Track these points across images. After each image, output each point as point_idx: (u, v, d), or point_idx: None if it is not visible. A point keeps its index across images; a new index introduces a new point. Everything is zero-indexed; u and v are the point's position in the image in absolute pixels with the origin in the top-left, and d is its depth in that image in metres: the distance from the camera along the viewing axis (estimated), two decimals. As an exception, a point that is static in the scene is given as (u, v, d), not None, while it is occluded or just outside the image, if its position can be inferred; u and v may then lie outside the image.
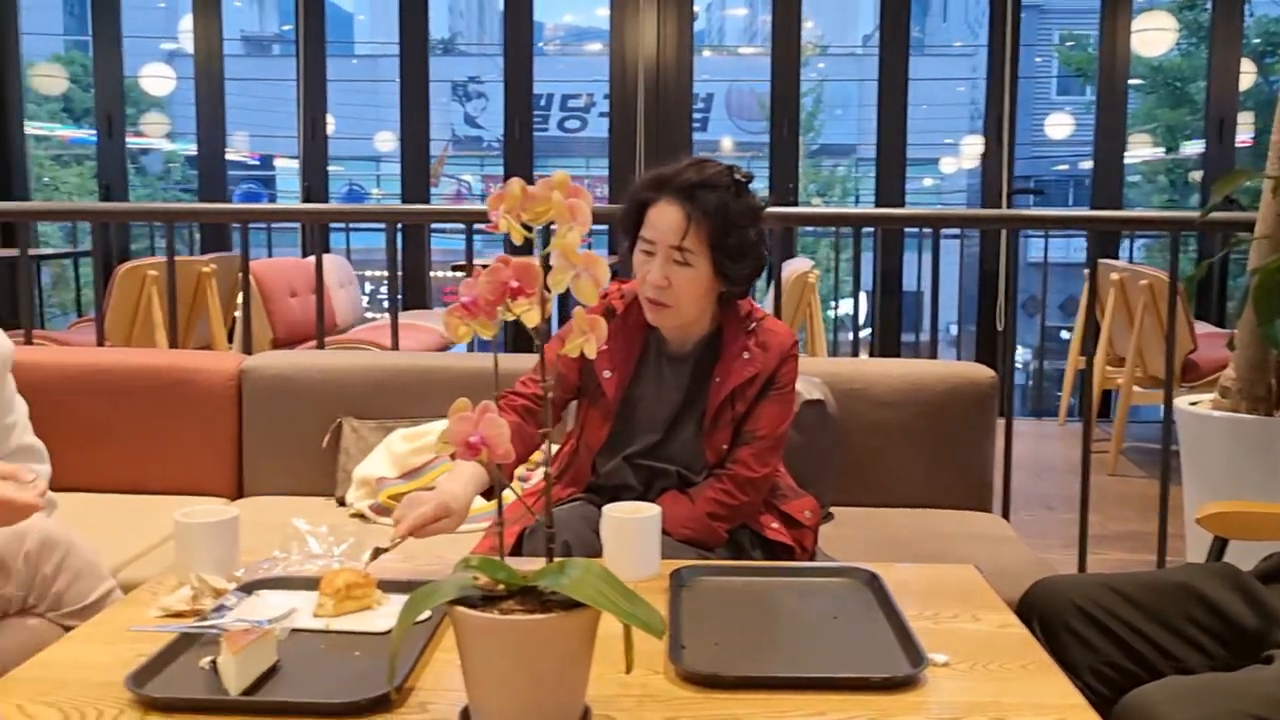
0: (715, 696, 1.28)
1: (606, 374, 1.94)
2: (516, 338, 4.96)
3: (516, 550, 1.94)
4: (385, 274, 7.98)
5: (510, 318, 1.17)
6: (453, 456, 1.88)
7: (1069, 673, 1.41)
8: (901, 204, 5.97)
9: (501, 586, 1.16)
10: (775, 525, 2.01)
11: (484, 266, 1.17)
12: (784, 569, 1.74)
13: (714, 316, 1.97)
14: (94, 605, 1.71)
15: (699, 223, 1.85)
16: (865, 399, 2.54)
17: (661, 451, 1.97)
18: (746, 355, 1.93)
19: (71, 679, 1.32)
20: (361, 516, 2.50)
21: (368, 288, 7.68)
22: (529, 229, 1.17)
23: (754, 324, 1.97)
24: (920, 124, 6.08)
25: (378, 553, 1.65)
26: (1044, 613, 1.67)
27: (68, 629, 1.66)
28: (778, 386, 1.95)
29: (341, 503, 2.59)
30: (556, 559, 1.18)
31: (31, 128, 6.67)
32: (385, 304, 9.33)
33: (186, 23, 6.69)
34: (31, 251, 3.38)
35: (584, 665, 1.17)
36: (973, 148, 12.58)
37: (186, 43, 7.23)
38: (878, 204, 5.91)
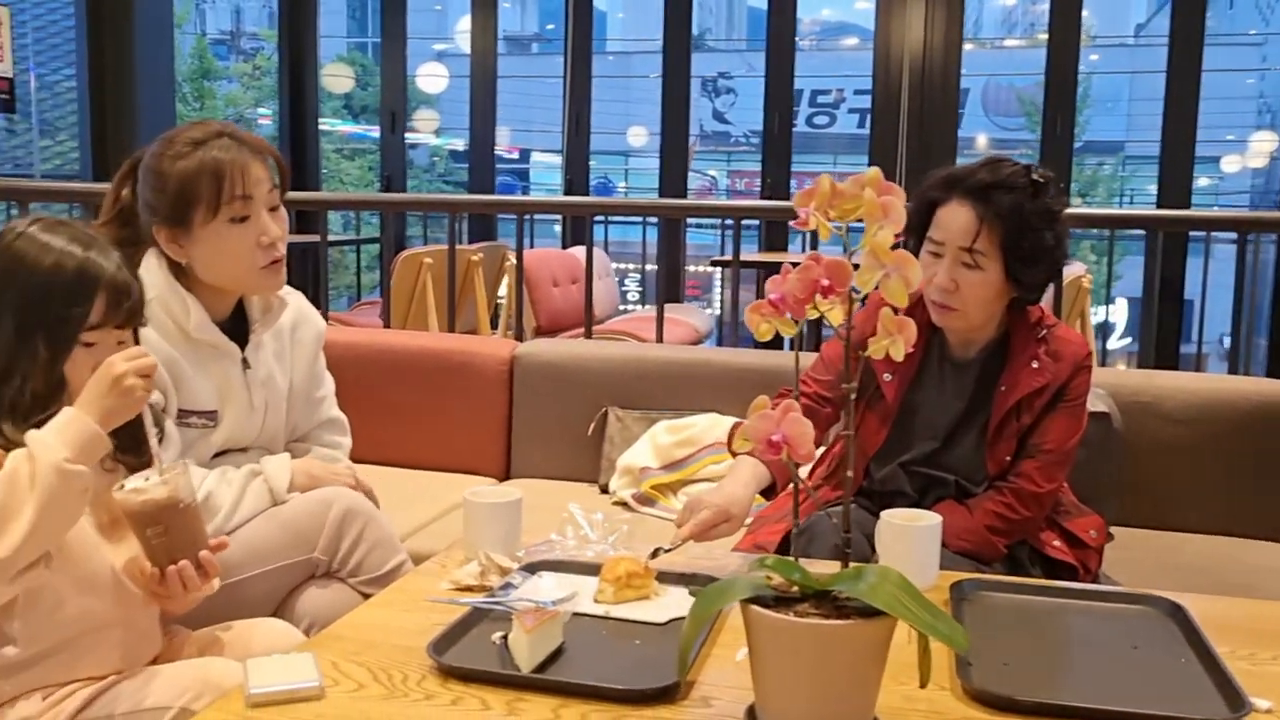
0: (1008, 720, 1.22)
1: (887, 377, 1.89)
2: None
3: (781, 550, 1.93)
4: (632, 267, 8.17)
5: (814, 316, 1.16)
6: (733, 454, 1.90)
7: None
8: (1187, 204, 5.55)
9: (795, 589, 1.15)
10: (1057, 543, 1.91)
11: (794, 264, 1.16)
12: (1074, 590, 1.65)
13: (1002, 322, 1.89)
14: (388, 575, 1.81)
15: (991, 225, 1.77)
16: (1155, 414, 2.38)
17: (940, 460, 1.90)
18: (1036, 364, 1.84)
19: (377, 641, 1.40)
20: (624, 505, 2.55)
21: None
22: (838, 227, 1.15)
23: (1045, 331, 1.87)
24: (1202, 119, 5.62)
25: (658, 553, 1.67)
26: (1379, 663, 1.50)
27: (365, 595, 1.77)
28: (1069, 399, 1.85)
29: (604, 490, 2.65)
30: (852, 565, 1.16)
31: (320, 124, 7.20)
32: (630, 296, 9.53)
33: (463, 24, 7.05)
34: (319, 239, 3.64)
35: (877, 675, 1.14)
36: (1262, 144, 11.57)
37: (460, 43, 7.62)
38: (1159, 204, 5.51)
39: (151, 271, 1.78)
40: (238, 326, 1.88)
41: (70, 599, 1.41)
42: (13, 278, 1.40)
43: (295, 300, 1.99)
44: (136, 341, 1.50)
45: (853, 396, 1.15)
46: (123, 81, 6.25)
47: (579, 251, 5.39)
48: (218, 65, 12.36)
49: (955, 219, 1.80)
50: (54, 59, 6.94)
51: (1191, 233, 5.11)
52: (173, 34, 6.87)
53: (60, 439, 1.29)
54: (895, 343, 1.14)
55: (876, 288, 1.13)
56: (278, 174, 1.81)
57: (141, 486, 1.38)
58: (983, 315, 1.85)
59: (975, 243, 1.78)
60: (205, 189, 1.72)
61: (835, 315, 1.14)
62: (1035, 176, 1.80)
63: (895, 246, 1.13)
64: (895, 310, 1.14)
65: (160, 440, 1.50)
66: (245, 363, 1.86)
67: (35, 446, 1.29)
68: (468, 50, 6.69)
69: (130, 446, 1.50)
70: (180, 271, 1.80)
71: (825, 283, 1.09)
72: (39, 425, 1.34)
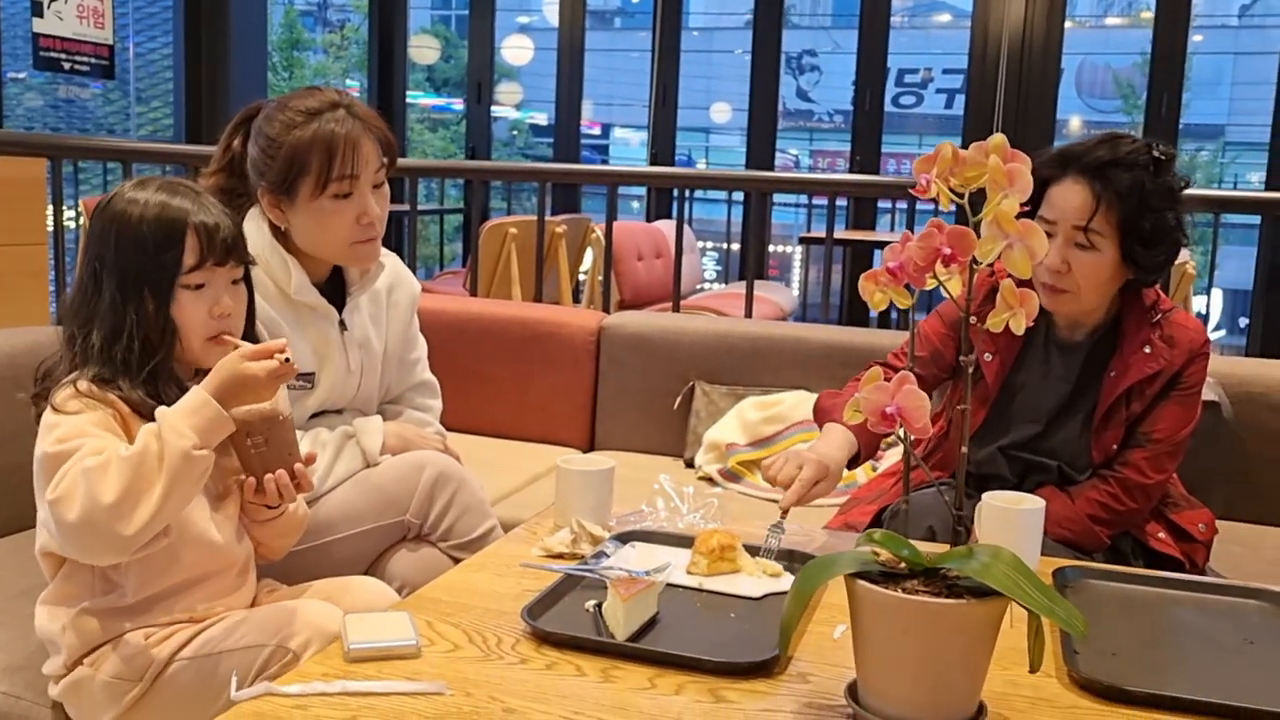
0: (1118, 711, 1.18)
1: (987, 357, 1.84)
2: (853, 311, 4.88)
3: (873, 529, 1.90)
4: (712, 245, 8.14)
5: (931, 285, 1.12)
6: (820, 425, 1.86)
7: None
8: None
9: (903, 565, 1.12)
10: (1162, 535, 1.85)
11: (882, 243, 1.12)
12: (1183, 582, 1.59)
13: (1114, 305, 1.82)
14: (479, 540, 1.81)
15: (1109, 204, 1.71)
16: (1266, 404, 2.29)
17: (1041, 445, 1.85)
18: (1149, 350, 1.77)
19: (470, 604, 1.40)
20: (709, 480, 2.53)
21: (693, 257, 7.79)
22: (959, 195, 1.11)
23: (1160, 316, 1.80)
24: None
25: (780, 523, 1.63)
26: None
27: (455, 560, 1.78)
28: (1183, 387, 1.78)
29: (689, 464, 2.63)
30: (963, 545, 1.12)
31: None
32: (709, 275, 9.51)
33: (550, -5, 7.04)
34: (408, 207, 3.66)
35: (985, 657, 1.10)
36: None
37: (547, 15, 7.61)
38: (1267, 188, 5.31)
39: (253, 231, 1.79)
40: (335, 288, 1.88)
41: (180, 554, 1.43)
42: (108, 238, 1.42)
43: (392, 262, 1.99)
44: (249, 279, 1.51)
45: (970, 370, 1.11)
46: (217, 51, 6.37)
47: (663, 225, 5.36)
48: (306, 35, 12.49)
49: (1069, 198, 1.74)
50: (151, 27, 7.08)
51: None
52: (265, 4, 6.96)
53: (189, 423, 1.30)
54: (1016, 316, 1.10)
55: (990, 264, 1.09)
56: (386, 151, 1.78)
57: None
58: (1095, 298, 1.78)
59: (1091, 222, 1.72)
60: (315, 163, 1.71)
61: (954, 285, 1.11)
62: (1157, 153, 1.73)
63: (1020, 216, 1.09)
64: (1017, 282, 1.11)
65: None
66: (342, 325, 1.87)
67: (166, 431, 1.29)
68: (553, 23, 6.68)
69: None
70: (280, 233, 1.81)
71: (947, 251, 1.05)
72: (152, 374, 1.36)
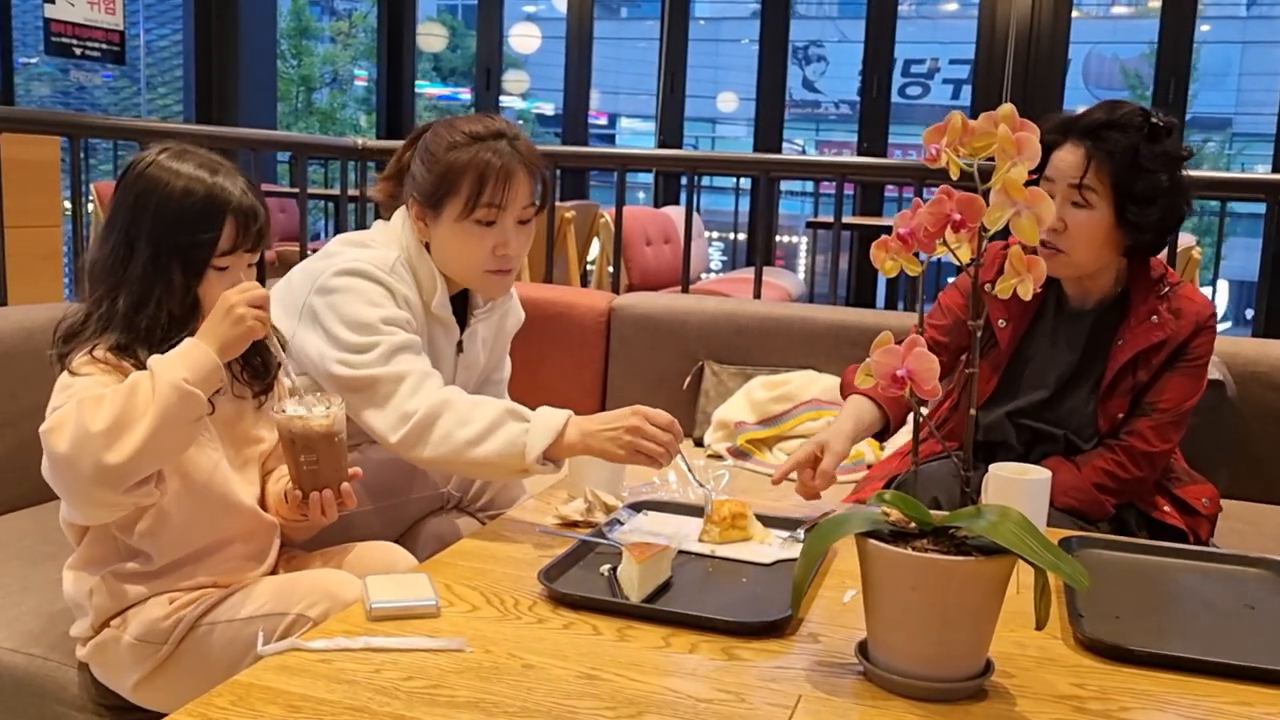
0: (1122, 670, 1.21)
1: (1001, 323, 1.87)
2: (859, 292, 4.91)
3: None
4: (717, 235, 8.16)
5: (941, 253, 1.15)
6: (845, 397, 1.90)
7: None
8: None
9: (913, 525, 1.14)
10: (1167, 508, 1.87)
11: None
12: (1185, 551, 1.62)
13: (1120, 276, 1.85)
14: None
15: (1101, 162, 1.75)
16: (1269, 383, 2.31)
17: (1049, 413, 1.87)
18: (1155, 319, 1.80)
19: (486, 569, 1.44)
20: (718, 458, 2.56)
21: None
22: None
23: (1167, 289, 1.83)
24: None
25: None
26: None
27: None
28: (1188, 358, 1.81)
29: (699, 443, 2.66)
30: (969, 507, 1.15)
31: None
32: (714, 266, 9.52)
33: (558, -16, 7.04)
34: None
35: (993, 615, 1.13)
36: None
37: (557, 3, 7.60)
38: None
39: (398, 233, 1.78)
40: (459, 308, 1.87)
41: (199, 519, 1.46)
42: (145, 206, 1.43)
43: (512, 292, 1.98)
44: (263, 262, 1.54)
45: (979, 334, 1.13)
46: (227, 38, 6.39)
47: (671, 211, 5.39)
48: (314, 24, 12.53)
49: (1066, 158, 1.79)
50: (160, 14, 7.10)
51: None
52: (275, -7, 6.98)
53: (181, 362, 1.34)
54: (1024, 282, 1.13)
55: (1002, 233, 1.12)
56: (540, 191, 1.78)
57: (305, 415, 1.41)
58: (1092, 261, 1.81)
59: (1084, 179, 1.76)
60: (466, 187, 1.71)
61: (964, 253, 1.13)
62: (1154, 120, 1.76)
63: (1029, 184, 1.11)
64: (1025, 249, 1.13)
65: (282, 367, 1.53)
66: (460, 346, 1.87)
67: (156, 366, 1.33)
68: (560, 11, 6.69)
69: (257, 374, 1.55)
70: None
71: (957, 217, 1.08)
72: (171, 346, 1.39)
